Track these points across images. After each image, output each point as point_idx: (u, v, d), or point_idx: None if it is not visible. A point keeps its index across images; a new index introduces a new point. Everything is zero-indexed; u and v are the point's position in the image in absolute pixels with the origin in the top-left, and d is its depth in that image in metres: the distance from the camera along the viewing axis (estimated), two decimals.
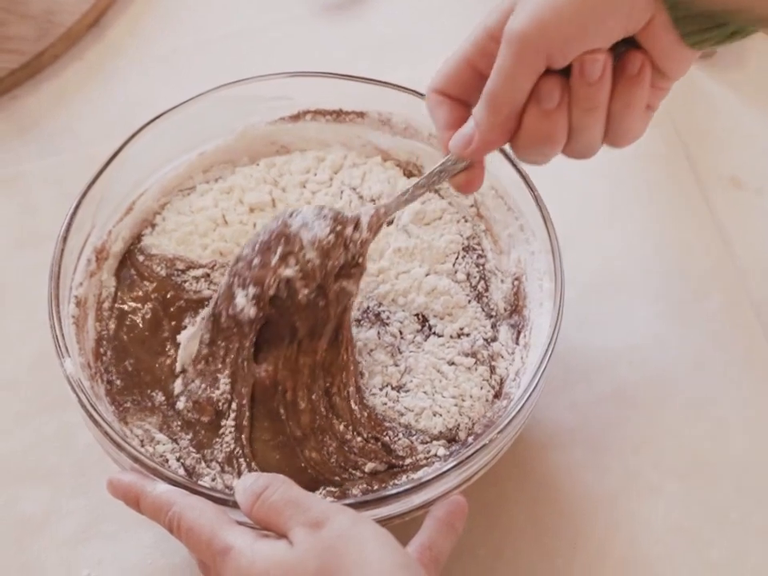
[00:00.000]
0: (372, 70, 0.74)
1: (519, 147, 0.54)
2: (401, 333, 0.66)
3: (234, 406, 0.61)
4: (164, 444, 0.61)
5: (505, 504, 0.67)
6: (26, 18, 0.85)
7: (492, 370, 0.65)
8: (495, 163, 0.67)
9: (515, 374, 0.64)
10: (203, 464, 0.61)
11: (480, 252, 0.70)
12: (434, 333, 0.66)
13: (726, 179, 0.81)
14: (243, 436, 0.61)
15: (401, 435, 0.62)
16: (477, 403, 0.63)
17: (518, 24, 0.49)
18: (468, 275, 0.69)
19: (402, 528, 0.55)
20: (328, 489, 0.60)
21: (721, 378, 0.73)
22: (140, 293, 0.67)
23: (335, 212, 0.60)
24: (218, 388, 0.62)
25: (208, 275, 0.67)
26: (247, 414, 0.61)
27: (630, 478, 0.69)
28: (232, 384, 0.62)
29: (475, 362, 0.65)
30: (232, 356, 0.61)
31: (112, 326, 0.66)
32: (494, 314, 0.67)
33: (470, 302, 0.67)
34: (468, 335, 0.66)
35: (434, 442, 0.62)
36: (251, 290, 0.59)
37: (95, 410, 0.58)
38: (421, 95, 0.69)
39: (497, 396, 0.64)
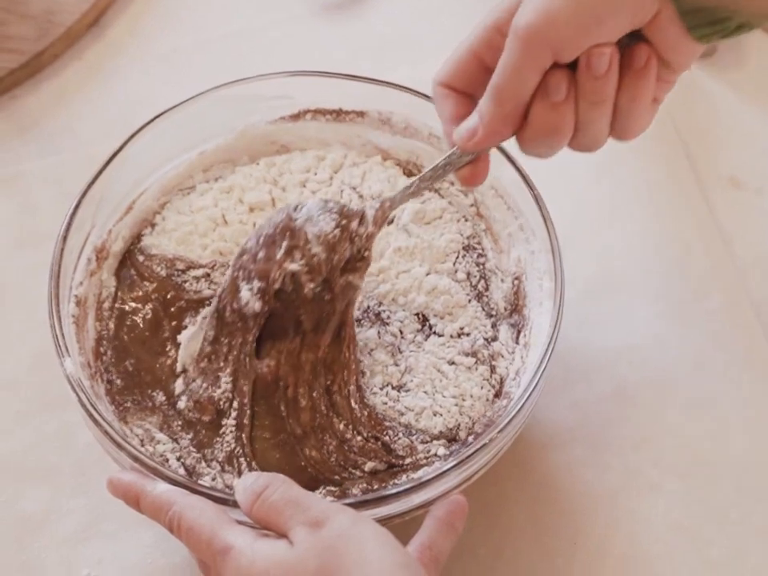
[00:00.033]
0: (372, 69, 0.74)
1: (525, 140, 0.54)
2: (401, 332, 0.66)
3: (235, 404, 0.61)
4: (164, 443, 0.61)
5: (505, 503, 0.67)
6: (25, 17, 0.85)
7: (492, 369, 0.65)
8: (495, 163, 0.66)
9: (515, 373, 0.64)
10: (203, 463, 0.61)
11: (480, 251, 0.70)
12: (435, 332, 0.66)
13: (725, 179, 0.81)
14: (244, 435, 0.61)
15: (401, 435, 0.62)
16: (477, 403, 0.63)
17: (526, 19, 0.49)
18: (468, 274, 0.69)
19: (402, 527, 0.55)
20: (328, 488, 0.60)
21: (721, 377, 0.73)
22: (140, 293, 0.67)
23: (340, 205, 0.60)
24: (219, 387, 0.62)
25: (208, 275, 0.67)
26: (248, 412, 0.61)
27: (630, 477, 0.69)
28: (234, 382, 0.61)
29: (475, 362, 0.65)
30: (234, 353, 0.61)
31: (112, 325, 0.66)
32: (494, 313, 0.67)
33: (470, 301, 0.67)
34: (468, 335, 0.66)
35: (434, 442, 0.62)
36: (256, 284, 0.59)
37: (95, 409, 0.58)
38: (421, 95, 0.69)
39: (497, 395, 0.64)
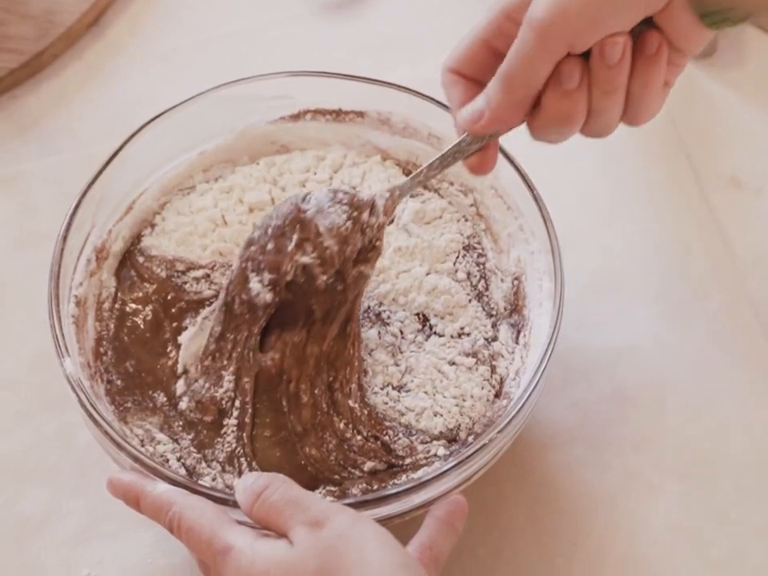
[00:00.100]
0: (372, 69, 0.74)
1: (537, 127, 0.54)
2: (401, 332, 0.66)
3: (237, 403, 0.61)
4: (164, 444, 0.61)
5: (504, 503, 0.67)
6: (25, 17, 0.85)
7: (493, 369, 0.65)
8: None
9: (515, 373, 0.64)
10: (204, 464, 0.61)
11: (480, 251, 0.70)
12: (435, 332, 0.66)
13: (725, 179, 0.81)
14: (245, 434, 0.61)
15: (401, 435, 0.62)
16: (478, 403, 0.63)
17: (542, 12, 0.49)
18: (468, 274, 0.69)
19: (402, 527, 0.55)
20: (328, 488, 0.60)
21: (721, 377, 0.73)
22: (140, 294, 0.67)
23: (350, 196, 0.59)
24: (221, 386, 0.62)
25: (208, 276, 0.67)
26: (250, 411, 0.61)
27: (629, 478, 0.69)
28: (236, 381, 0.61)
29: (476, 362, 0.65)
30: (239, 349, 0.61)
31: (112, 326, 0.66)
32: (494, 313, 0.67)
33: (470, 301, 0.67)
34: (469, 335, 0.66)
35: (434, 442, 0.62)
36: (267, 276, 0.59)
37: (95, 409, 0.58)
38: (420, 95, 0.69)
39: (497, 396, 0.64)
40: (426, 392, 0.63)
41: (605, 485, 0.68)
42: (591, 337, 0.74)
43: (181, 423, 0.62)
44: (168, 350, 0.65)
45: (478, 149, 0.56)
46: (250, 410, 0.61)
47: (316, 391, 0.61)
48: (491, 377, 0.65)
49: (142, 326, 0.66)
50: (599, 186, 0.82)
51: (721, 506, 0.68)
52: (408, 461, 0.61)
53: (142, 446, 0.61)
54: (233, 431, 0.61)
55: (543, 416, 0.70)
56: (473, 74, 0.55)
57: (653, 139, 0.82)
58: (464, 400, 0.63)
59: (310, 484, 0.60)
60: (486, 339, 0.66)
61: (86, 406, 0.58)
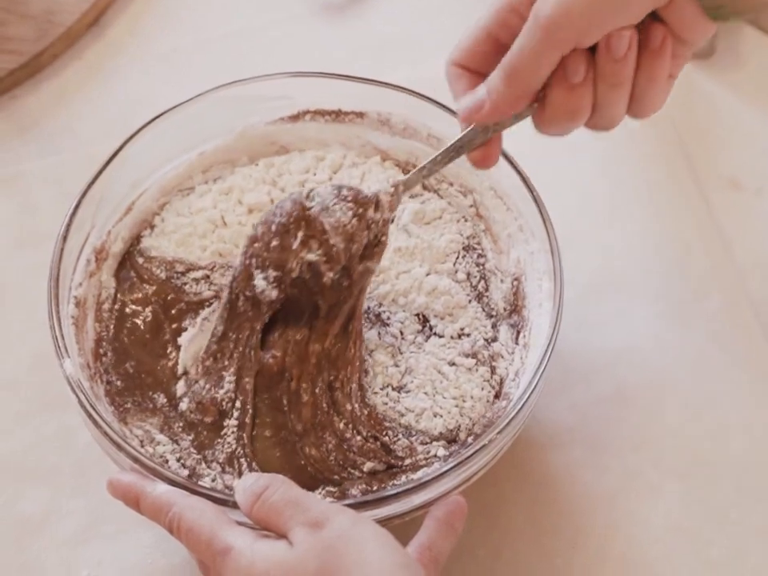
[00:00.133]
0: (372, 69, 0.74)
1: (543, 121, 0.54)
2: (401, 333, 0.66)
3: (237, 404, 0.61)
4: (164, 445, 0.61)
5: (504, 504, 0.67)
6: (25, 17, 0.85)
7: (492, 370, 0.65)
8: None
9: (515, 374, 0.64)
10: (204, 465, 0.61)
11: (480, 251, 0.70)
12: (435, 333, 0.66)
13: (725, 179, 0.81)
14: (245, 434, 0.61)
15: (400, 436, 0.62)
16: (478, 404, 0.63)
17: (550, 9, 0.49)
18: (468, 275, 0.69)
19: (401, 528, 0.55)
20: (327, 489, 0.60)
21: (721, 377, 0.73)
22: (140, 295, 0.67)
23: (354, 192, 0.59)
24: (222, 387, 0.62)
25: (208, 277, 0.67)
26: (250, 411, 0.61)
27: (629, 478, 0.69)
28: (237, 381, 0.61)
29: (476, 363, 0.65)
30: (240, 348, 0.61)
31: (112, 327, 0.66)
32: (494, 313, 0.67)
33: (470, 301, 0.67)
34: (468, 335, 0.66)
35: (434, 443, 0.62)
36: (272, 273, 0.59)
37: (95, 410, 0.58)
38: (420, 96, 0.69)
39: (497, 396, 0.64)
40: (425, 393, 0.63)
41: (604, 485, 0.68)
42: (591, 337, 0.74)
43: (181, 424, 0.62)
44: (168, 351, 0.65)
45: (482, 143, 0.56)
46: (250, 411, 0.61)
47: (317, 390, 0.61)
48: (491, 377, 0.65)
49: (141, 327, 0.66)
50: (599, 186, 0.82)
51: (721, 506, 0.68)
52: (408, 461, 0.61)
53: (142, 446, 0.61)
54: (233, 432, 0.61)
55: (543, 417, 0.70)
56: (477, 67, 0.55)
57: (653, 140, 0.82)
58: (464, 401, 0.63)
59: (310, 484, 0.60)
60: (486, 340, 0.66)
61: (86, 406, 0.58)
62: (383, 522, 0.56)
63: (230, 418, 0.62)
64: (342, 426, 0.62)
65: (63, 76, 0.85)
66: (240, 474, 0.60)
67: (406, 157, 0.72)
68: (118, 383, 0.64)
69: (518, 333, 0.66)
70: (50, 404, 0.70)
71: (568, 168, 0.81)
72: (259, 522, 0.52)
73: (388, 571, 0.48)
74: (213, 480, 0.60)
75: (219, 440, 0.61)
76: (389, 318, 0.66)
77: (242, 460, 0.61)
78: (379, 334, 0.65)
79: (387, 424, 0.62)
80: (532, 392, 0.59)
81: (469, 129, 0.56)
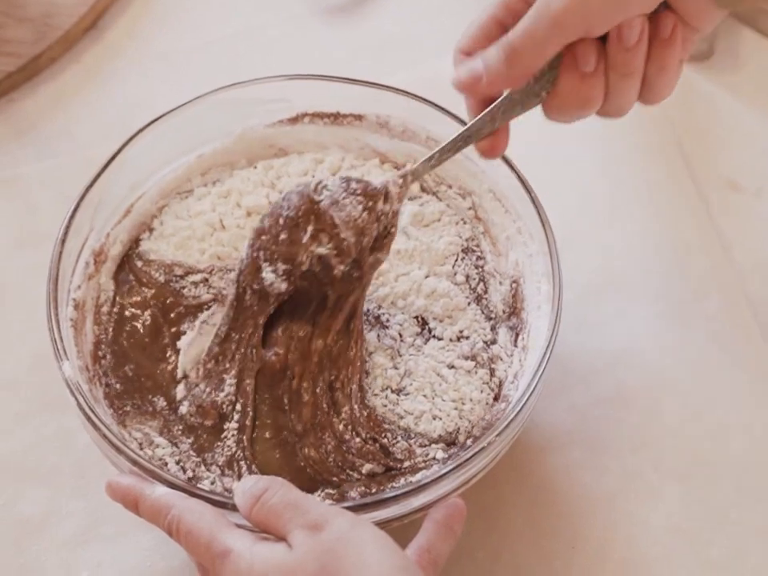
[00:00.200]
0: (372, 70, 0.74)
1: (553, 109, 0.54)
2: (400, 335, 0.66)
3: (238, 407, 0.61)
4: (163, 447, 0.61)
5: (503, 506, 0.67)
6: (23, 21, 0.85)
7: (491, 372, 0.65)
8: (493, 166, 0.67)
9: (514, 376, 0.64)
10: (203, 467, 0.61)
11: (479, 254, 0.70)
12: (434, 336, 0.66)
13: (724, 180, 0.81)
14: (245, 437, 0.61)
15: (399, 438, 0.62)
16: (477, 406, 0.63)
17: (560, 2, 0.49)
18: (467, 277, 0.69)
19: (400, 531, 0.55)
20: (326, 491, 0.60)
21: (720, 378, 0.73)
22: (139, 298, 0.67)
23: (363, 185, 0.59)
24: (222, 390, 0.62)
25: (206, 280, 0.67)
26: (251, 413, 0.61)
27: (628, 479, 0.69)
28: (238, 384, 0.61)
29: (475, 365, 0.65)
30: (242, 349, 0.61)
31: (111, 330, 0.66)
32: (493, 316, 0.67)
33: (469, 304, 0.67)
34: (468, 338, 0.66)
35: (433, 445, 0.62)
36: (281, 266, 0.59)
37: (93, 412, 0.58)
38: (419, 98, 0.69)
39: (496, 399, 0.64)
40: (424, 395, 0.63)
41: (604, 487, 0.68)
42: (590, 338, 0.74)
43: (180, 427, 0.62)
44: (167, 354, 0.65)
45: (489, 132, 0.56)
46: (251, 413, 0.61)
47: (317, 390, 0.61)
48: (490, 380, 0.64)
49: (140, 331, 0.66)
50: (599, 186, 0.82)
51: (721, 507, 0.68)
52: (406, 464, 0.61)
53: (141, 449, 0.61)
54: (233, 435, 0.61)
55: (542, 419, 0.70)
56: None
57: (652, 140, 0.82)
58: (463, 403, 0.63)
59: (309, 486, 0.60)
60: (485, 342, 0.66)
61: (85, 409, 0.58)
62: (382, 524, 0.56)
63: (230, 421, 0.62)
64: (341, 427, 0.62)
65: (61, 79, 0.85)
66: (239, 477, 0.60)
67: (405, 159, 0.72)
68: (117, 386, 0.64)
69: (517, 335, 0.66)
70: (49, 404, 0.70)
71: (568, 168, 0.81)
72: (258, 524, 0.52)
73: (387, 574, 0.48)
74: (212, 483, 0.60)
75: (219, 443, 0.61)
76: (388, 321, 0.66)
77: (242, 463, 0.61)
78: (378, 336, 0.65)
79: (386, 426, 0.62)
80: (531, 394, 0.59)
81: (477, 118, 0.56)
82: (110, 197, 0.67)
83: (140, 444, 0.62)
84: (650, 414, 0.71)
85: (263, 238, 0.60)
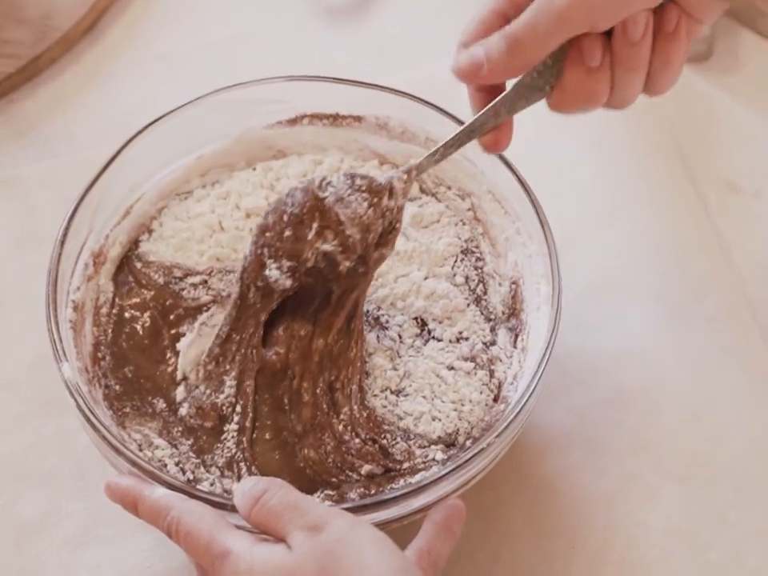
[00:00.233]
0: (372, 71, 0.74)
1: (559, 103, 0.54)
2: (400, 337, 0.66)
3: (238, 408, 0.61)
4: (163, 449, 0.61)
5: (502, 507, 0.67)
6: (22, 22, 0.85)
7: (491, 373, 0.65)
8: (492, 167, 0.67)
9: (513, 377, 0.64)
10: (202, 469, 0.61)
11: (478, 255, 0.70)
12: (434, 337, 0.66)
13: (723, 182, 0.81)
14: (245, 438, 0.61)
15: (399, 439, 0.62)
16: (476, 408, 0.63)
17: (564, 0, 0.50)
18: (467, 278, 0.69)
19: (400, 532, 0.55)
20: (326, 492, 0.60)
21: (719, 379, 0.73)
22: (138, 300, 0.67)
23: (368, 181, 0.59)
24: (222, 392, 0.62)
25: (205, 282, 0.67)
26: (251, 414, 0.61)
27: (627, 481, 0.69)
28: (238, 385, 0.61)
29: (474, 367, 0.65)
30: (243, 350, 0.61)
31: (110, 331, 0.66)
32: (492, 317, 0.67)
33: (468, 305, 0.67)
34: (467, 339, 0.66)
35: (432, 447, 0.62)
36: (286, 263, 0.59)
37: (93, 413, 0.58)
38: (418, 99, 0.69)
39: (495, 400, 0.64)
40: (424, 396, 0.63)
41: (603, 488, 0.68)
42: (590, 339, 0.74)
43: (180, 429, 0.62)
44: (167, 356, 0.65)
45: (493, 127, 0.56)
46: (251, 414, 0.61)
47: (318, 390, 0.61)
48: (489, 381, 0.65)
49: (140, 333, 0.66)
50: (599, 186, 0.82)
51: (720, 508, 0.68)
52: (406, 465, 0.61)
53: (140, 450, 0.61)
54: (233, 436, 0.61)
55: (541, 420, 0.70)
56: None
57: (652, 141, 0.82)
58: (462, 404, 0.63)
59: (309, 487, 0.60)
60: (485, 343, 0.66)
61: (84, 410, 0.58)
62: (381, 525, 0.56)
63: (230, 423, 0.62)
64: (341, 427, 0.62)
65: (60, 80, 0.85)
66: (239, 478, 0.60)
67: (404, 161, 0.72)
68: (117, 387, 0.64)
69: (517, 336, 0.66)
70: (49, 405, 0.70)
71: (568, 168, 0.81)
72: (258, 525, 0.52)
73: (386, 575, 0.48)
74: (211, 484, 0.60)
75: (219, 444, 0.61)
76: (387, 322, 0.66)
77: (242, 464, 0.61)
78: (378, 337, 0.65)
79: (386, 427, 0.62)
80: (530, 395, 0.59)
81: (480, 113, 0.55)
82: (109, 198, 0.67)
83: (139, 445, 0.62)
84: (649, 415, 0.71)
85: (267, 234, 0.60)
